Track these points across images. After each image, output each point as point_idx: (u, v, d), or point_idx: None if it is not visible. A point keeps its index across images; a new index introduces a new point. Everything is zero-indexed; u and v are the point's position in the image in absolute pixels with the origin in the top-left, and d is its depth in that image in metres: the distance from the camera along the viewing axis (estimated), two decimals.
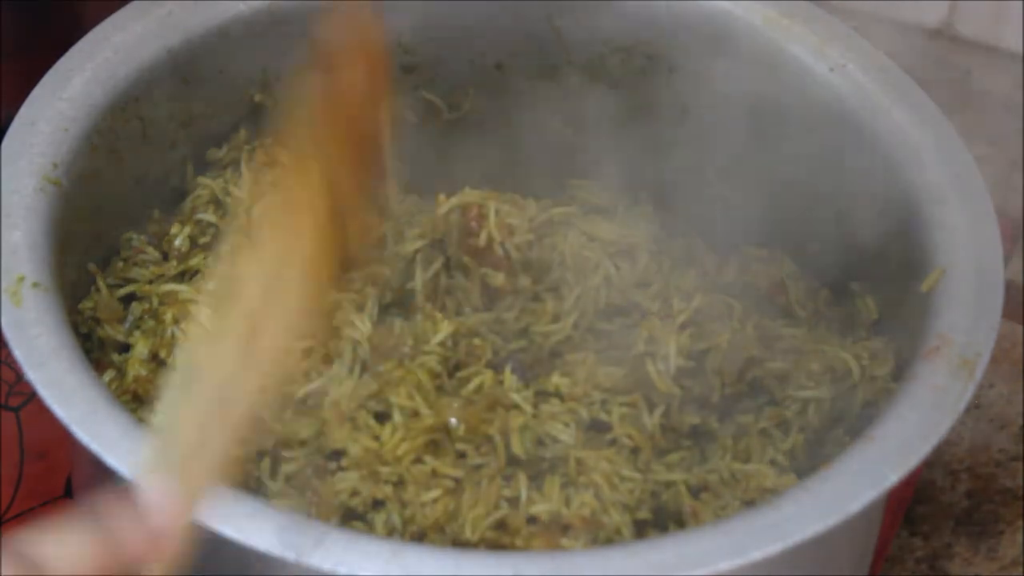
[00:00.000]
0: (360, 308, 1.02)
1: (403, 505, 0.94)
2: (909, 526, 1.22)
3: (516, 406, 0.98)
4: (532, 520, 0.94)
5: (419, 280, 1.05)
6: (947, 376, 0.92)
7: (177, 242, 1.05)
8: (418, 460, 0.96)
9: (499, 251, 1.05)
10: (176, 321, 0.99)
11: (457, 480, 0.94)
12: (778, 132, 1.10)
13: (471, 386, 1.00)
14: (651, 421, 0.99)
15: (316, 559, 0.83)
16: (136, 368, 0.98)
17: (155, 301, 1.01)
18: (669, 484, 0.97)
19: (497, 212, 1.05)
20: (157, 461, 0.74)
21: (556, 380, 1.00)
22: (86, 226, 1.01)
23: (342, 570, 0.82)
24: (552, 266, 1.06)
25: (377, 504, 0.94)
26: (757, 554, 0.84)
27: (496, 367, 1.02)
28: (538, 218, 1.07)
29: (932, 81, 1.52)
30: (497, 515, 0.93)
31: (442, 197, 1.06)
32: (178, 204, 1.08)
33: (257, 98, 1.11)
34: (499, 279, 1.05)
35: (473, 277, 1.06)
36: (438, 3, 1.12)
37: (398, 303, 1.05)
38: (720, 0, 1.11)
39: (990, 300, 0.96)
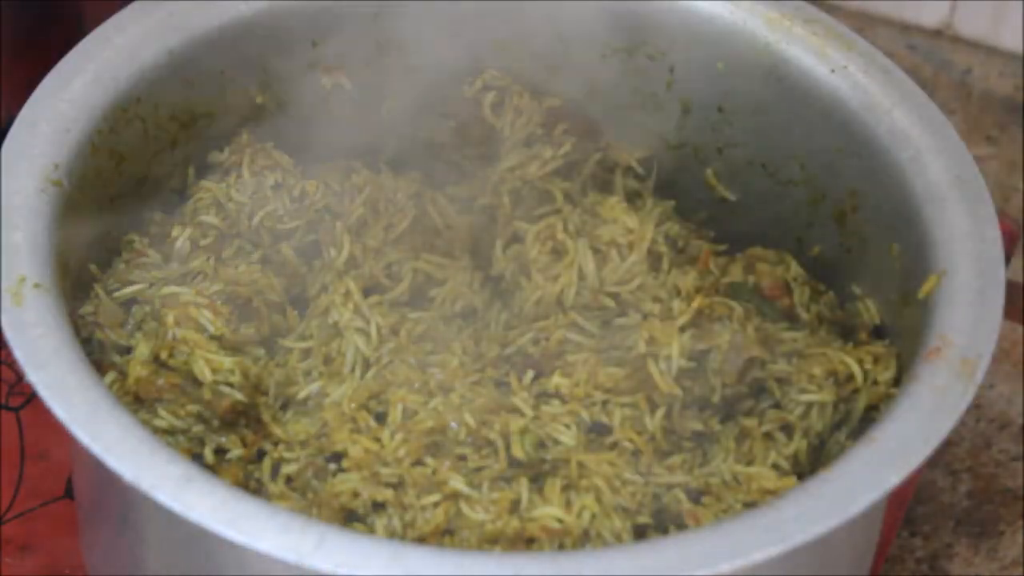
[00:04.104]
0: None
1: (403, 508, 0.94)
2: (909, 526, 1.22)
3: (516, 409, 0.98)
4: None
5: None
6: (948, 377, 0.92)
7: (178, 244, 1.05)
8: (418, 462, 0.96)
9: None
10: (178, 323, 0.99)
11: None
12: (779, 133, 1.10)
13: (471, 383, 1.00)
14: (652, 423, 0.99)
15: (317, 560, 0.83)
16: (137, 370, 0.98)
17: (156, 303, 1.01)
18: (671, 487, 0.97)
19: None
20: None
21: (557, 381, 1.00)
22: (87, 227, 1.01)
23: (343, 571, 0.82)
24: (553, 265, 1.06)
25: (377, 507, 0.94)
26: (758, 555, 0.84)
27: (496, 366, 1.02)
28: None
29: (932, 81, 1.52)
30: (500, 523, 0.93)
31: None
32: (179, 206, 1.08)
33: (258, 99, 1.11)
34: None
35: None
36: (439, 3, 1.12)
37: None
38: (721, 1, 1.11)
39: (991, 301, 0.96)
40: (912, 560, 1.21)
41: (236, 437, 0.98)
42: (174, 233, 1.05)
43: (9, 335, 0.90)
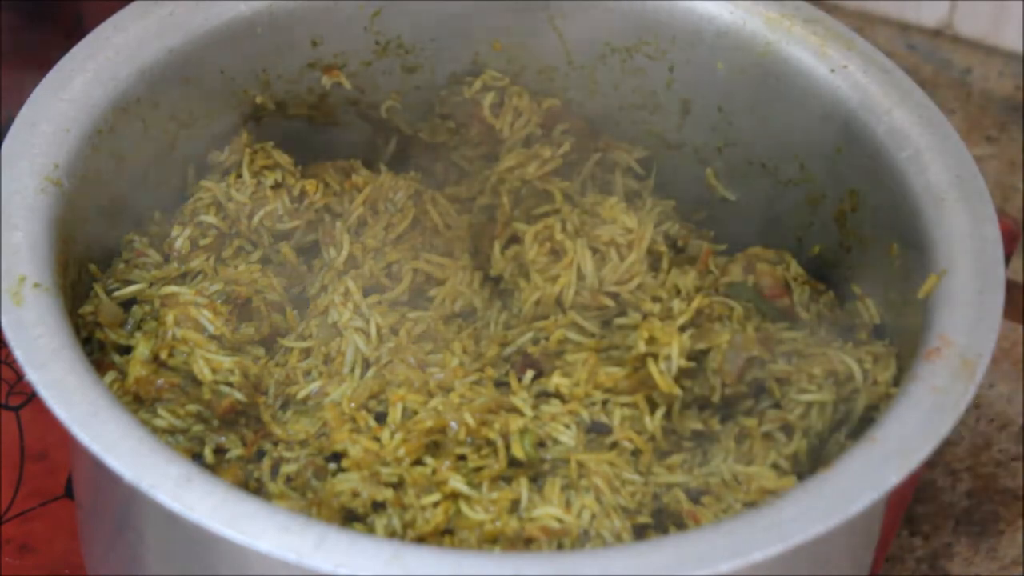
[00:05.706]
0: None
1: (403, 508, 0.94)
2: (909, 526, 1.22)
3: (516, 408, 0.98)
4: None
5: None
6: (948, 377, 0.92)
7: (178, 244, 1.05)
8: (418, 462, 0.96)
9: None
10: (177, 323, 0.99)
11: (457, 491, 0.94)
12: (779, 133, 1.10)
13: (471, 383, 1.00)
14: (652, 423, 0.99)
15: (317, 560, 0.83)
16: (137, 369, 0.98)
17: (156, 303, 1.01)
18: (671, 487, 0.97)
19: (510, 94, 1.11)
20: None
21: (556, 380, 1.00)
22: (87, 227, 1.01)
23: (343, 571, 0.82)
24: (552, 265, 1.06)
25: (377, 507, 0.94)
26: (758, 555, 0.84)
27: (496, 366, 1.02)
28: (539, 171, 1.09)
29: (932, 81, 1.52)
30: (499, 523, 0.93)
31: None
32: (179, 205, 1.08)
33: (258, 99, 1.11)
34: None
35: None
36: (439, 4, 1.12)
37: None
38: (721, 0, 1.11)
39: (990, 301, 0.96)
40: (912, 560, 1.21)
41: (236, 437, 0.98)
42: (174, 233, 1.05)
43: (9, 335, 0.90)
